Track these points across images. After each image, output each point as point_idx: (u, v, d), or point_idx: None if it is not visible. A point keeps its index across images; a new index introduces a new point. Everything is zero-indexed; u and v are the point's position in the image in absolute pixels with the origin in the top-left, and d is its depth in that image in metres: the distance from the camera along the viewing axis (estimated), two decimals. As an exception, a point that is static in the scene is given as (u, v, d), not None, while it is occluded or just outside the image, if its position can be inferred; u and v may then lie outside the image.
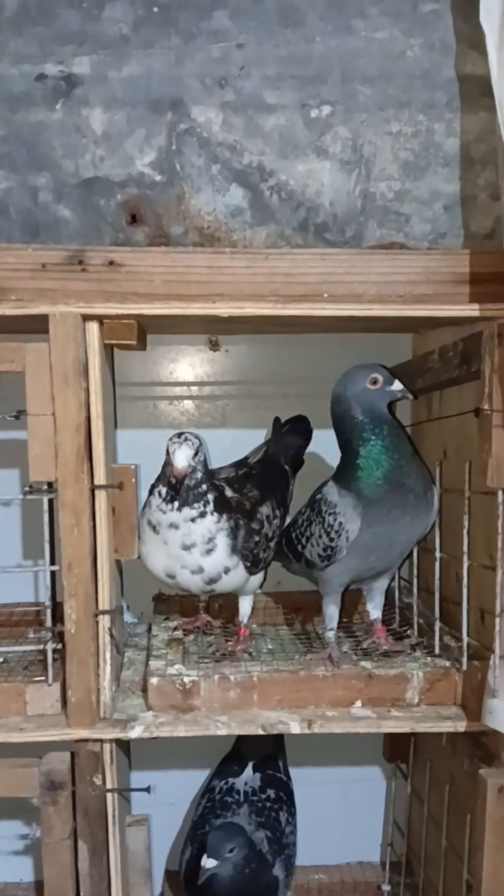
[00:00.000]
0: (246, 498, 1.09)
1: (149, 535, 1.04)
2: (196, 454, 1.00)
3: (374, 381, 1.03)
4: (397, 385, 1.04)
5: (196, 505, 1.01)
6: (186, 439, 1.00)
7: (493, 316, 0.91)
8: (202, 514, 1.01)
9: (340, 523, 1.02)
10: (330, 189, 0.97)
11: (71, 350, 0.91)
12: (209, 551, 1.02)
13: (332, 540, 1.03)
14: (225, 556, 1.03)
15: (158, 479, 1.04)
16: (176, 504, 1.01)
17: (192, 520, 1.01)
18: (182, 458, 0.98)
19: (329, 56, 0.95)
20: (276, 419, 1.33)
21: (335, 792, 1.52)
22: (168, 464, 1.00)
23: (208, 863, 1.06)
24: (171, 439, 1.01)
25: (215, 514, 1.02)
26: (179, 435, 1.01)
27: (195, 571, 1.03)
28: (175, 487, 0.99)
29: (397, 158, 0.97)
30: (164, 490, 1.01)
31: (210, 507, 1.02)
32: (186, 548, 1.02)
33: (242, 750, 1.32)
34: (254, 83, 0.95)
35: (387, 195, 0.98)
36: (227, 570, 1.04)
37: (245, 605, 1.14)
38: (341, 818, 1.52)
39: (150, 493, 1.04)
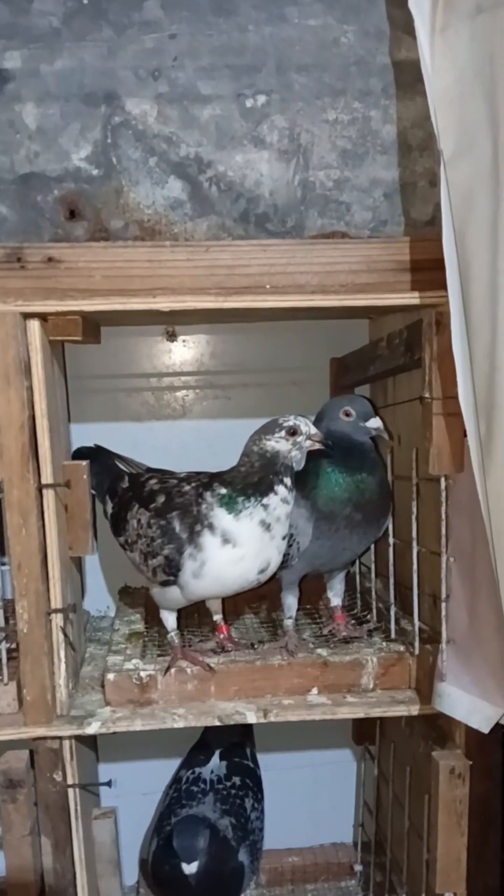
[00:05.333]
0: None
1: (253, 535, 0.97)
2: None
3: (347, 414, 1.05)
4: (374, 423, 1.05)
5: None
6: (294, 416, 0.99)
7: (433, 303, 0.91)
8: None
9: (292, 534, 1.03)
10: (269, 179, 0.97)
11: (11, 349, 0.90)
12: (286, 535, 1.01)
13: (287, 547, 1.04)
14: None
15: (270, 478, 0.97)
16: (294, 493, 0.99)
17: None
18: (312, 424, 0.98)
19: (263, 45, 0.94)
20: None
21: (306, 775, 1.54)
22: (292, 448, 0.98)
23: (190, 868, 1.08)
24: (287, 420, 0.98)
25: None
26: (286, 419, 0.99)
27: (280, 554, 1.01)
28: (327, 447, 0.98)
29: (335, 147, 0.96)
30: (289, 479, 0.98)
31: None
32: (284, 537, 1.00)
33: (210, 739, 1.33)
34: (188, 74, 0.94)
35: (326, 184, 0.97)
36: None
37: (217, 604, 1.14)
38: (313, 801, 1.54)
39: (255, 494, 0.97)
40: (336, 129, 0.95)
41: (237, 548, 0.97)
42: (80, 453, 1.23)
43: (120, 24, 0.93)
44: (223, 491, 0.98)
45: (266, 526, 0.97)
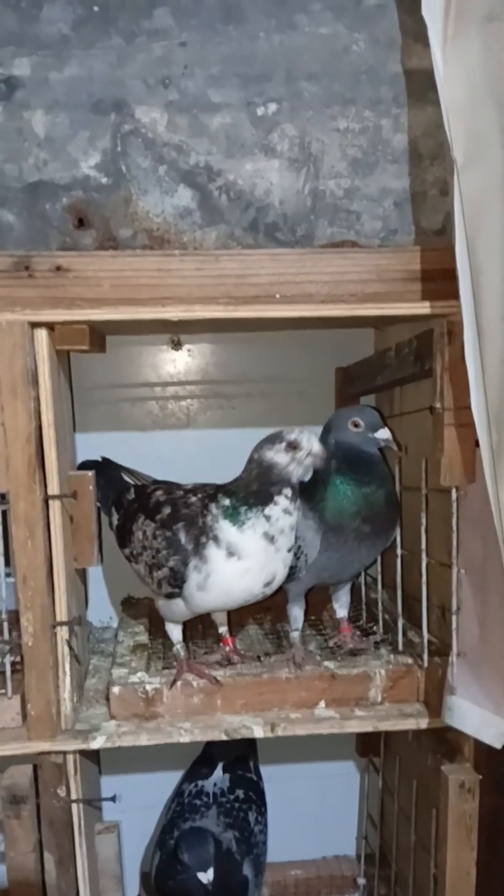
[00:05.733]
0: None
1: (258, 548, 0.95)
2: None
3: (356, 424, 1.03)
4: (383, 434, 1.03)
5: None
6: (299, 429, 0.96)
7: (444, 313, 0.91)
8: None
9: (300, 546, 1.02)
10: (279, 188, 0.96)
11: (18, 359, 0.89)
12: (292, 546, 1.00)
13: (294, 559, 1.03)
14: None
15: (268, 489, 0.96)
16: (298, 503, 0.97)
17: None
18: (317, 441, 0.96)
19: (273, 53, 0.93)
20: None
21: (310, 787, 1.53)
22: (290, 462, 0.95)
23: (206, 877, 1.07)
24: (289, 433, 0.96)
25: None
26: (289, 431, 0.96)
27: (286, 566, 0.99)
28: (324, 467, 0.96)
29: (345, 155, 0.96)
30: (289, 491, 0.96)
31: None
32: (290, 549, 0.99)
33: (213, 751, 1.32)
34: (198, 82, 0.93)
35: (336, 193, 0.97)
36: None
37: (222, 616, 1.12)
38: (317, 813, 1.52)
39: (257, 506, 0.95)
40: (346, 137, 0.95)
41: (242, 560, 0.96)
42: (85, 466, 1.22)
43: (129, 32, 0.92)
44: (227, 502, 0.97)
45: (270, 538, 0.96)
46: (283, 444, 0.96)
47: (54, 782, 0.96)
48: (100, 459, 1.26)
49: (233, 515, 0.96)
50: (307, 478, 0.98)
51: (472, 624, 0.92)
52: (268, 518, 0.95)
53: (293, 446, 0.95)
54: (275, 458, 0.96)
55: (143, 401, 1.44)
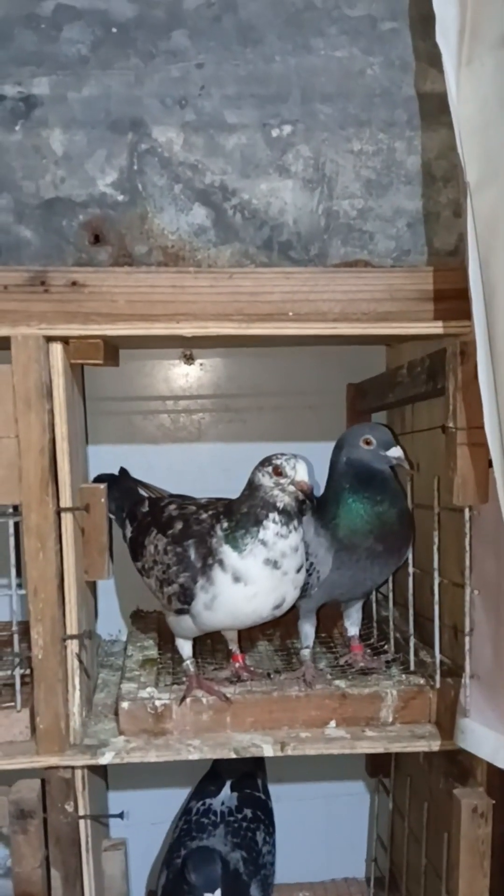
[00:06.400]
0: None
1: (263, 574, 0.95)
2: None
3: (368, 442, 1.03)
4: (395, 452, 1.03)
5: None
6: (296, 456, 0.96)
7: (457, 333, 0.91)
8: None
9: (312, 563, 1.02)
10: (293, 207, 0.97)
11: (33, 372, 0.90)
12: (301, 566, 0.99)
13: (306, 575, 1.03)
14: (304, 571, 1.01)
15: (256, 511, 0.96)
16: (295, 524, 0.96)
17: (302, 539, 0.98)
18: (306, 472, 0.94)
19: (288, 75, 0.94)
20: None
21: (319, 808, 1.52)
22: (274, 487, 0.95)
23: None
24: (279, 458, 0.95)
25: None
26: (279, 456, 0.96)
27: (296, 588, 0.99)
28: (305, 502, 0.95)
29: (359, 176, 0.96)
30: (277, 516, 0.95)
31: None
32: (300, 569, 0.98)
33: (220, 769, 1.31)
34: (214, 103, 0.94)
35: (350, 213, 0.97)
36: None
37: (232, 633, 1.12)
38: (325, 834, 1.51)
39: (250, 529, 0.95)
40: (360, 159, 0.96)
41: (249, 586, 0.95)
42: (101, 478, 1.22)
43: (147, 53, 0.94)
44: (226, 524, 0.97)
45: (273, 563, 0.95)
46: (270, 468, 0.95)
47: (62, 798, 0.96)
48: (117, 471, 1.27)
49: (233, 541, 0.96)
50: (287, 505, 0.96)
51: (486, 646, 0.92)
52: (264, 543, 0.95)
53: (277, 472, 0.95)
54: (261, 480, 0.96)
55: (155, 414, 1.45)
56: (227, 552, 0.96)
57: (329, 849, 1.50)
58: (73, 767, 0.96)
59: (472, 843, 0.92)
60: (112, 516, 1.17)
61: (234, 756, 0.96)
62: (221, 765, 1.31)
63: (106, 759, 0.94)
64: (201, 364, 1.45)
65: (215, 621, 1.00)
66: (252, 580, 0.95)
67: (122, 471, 1.27)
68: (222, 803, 1.25)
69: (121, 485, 1.22)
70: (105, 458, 1.32)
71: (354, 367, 1.40)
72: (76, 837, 0.97)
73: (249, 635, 1.26)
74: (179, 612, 1.01)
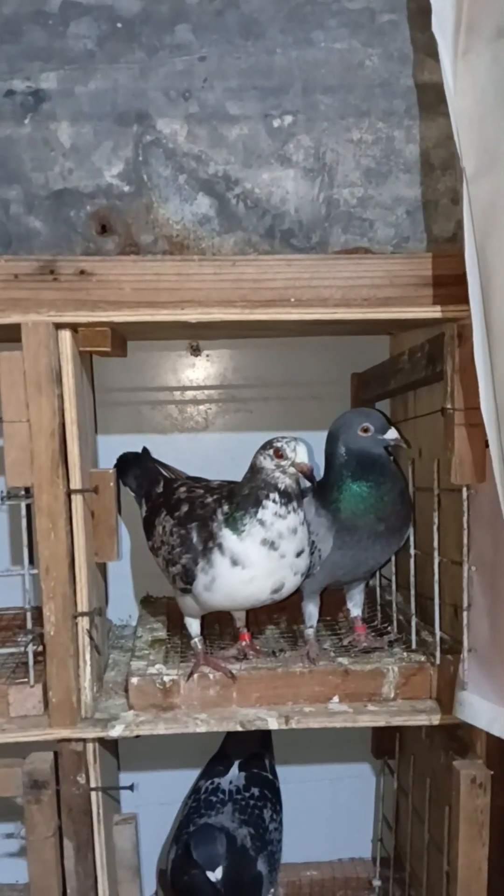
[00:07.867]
0: None
1: (260, 556, 0.97)
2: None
3: (366, 430, 1.05)
4: (391, 434, 1.05)
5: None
6: (296, 439, 0.98)
7: (455, 317, 0.93)
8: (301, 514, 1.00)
9: (313, 542, 1.05)
10: (294, 196, 1.00)
11: (43, 358, 0.93)
12: (302, 551, 1.01)
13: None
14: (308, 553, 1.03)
15: (256, 493, 0.98)
16: (294, 506, 0.98)
17: (302, 522, 1.00)
18: (306, 454, 0.97)
19: (290, 67, 0.97)
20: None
21: (325, 789, 1.54)
22: (276, 469, 0.97)
23: (216, 875, 1.09)
24: (279, 441, 0.97)
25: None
26: (279, 439, 0.98)
27: (296, 574, 1.01)
28: (310, 481, 0.97)
29: (359, 165, 0.99)
30: (277, 496, 0.97)
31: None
32: (300, 553, 1.00)
33: (229, 749, 1.34)
34: (217, 95, 0.97)
35: (350, 201, 1.00)
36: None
37: (241, 612, 1.15)
38: (332, 815, 1.54)
39: (249, 510, 0.97)
40: (360, 148, 0.98)
41: (247, 569, 0.98)
42: (125, 457, 1.27)
43: (152, 47, 0.97)
44: (227, 508, 1.00)
45: (271, 544, 0.97)
46: (272, 451, 0.98)
47: (74, 770, 0.99)
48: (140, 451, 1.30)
49: (232, 524, 0.98)
50: (287, 487, 0.98)
51: (483, 620, 0.94)
52: (262, 523, 0.97)
53: (278, 454, 0.97)
54: (263, 462, 0.99)
55: (162, 404, 1.48)
56: (226, 535, 0.98)
57: (335, 829, 1.53)
58: (84, 740, 0.99)
59: (470, 814, 0.94)
60: (133, 494, 1.22)
61: (240, 729, 0.99)
62: (230, 746, 1.34)
63: (116, 731, 0.97)
64: (208, 355, 1.48)
65: (214, 602, 1.02)
66: (250, 563, 0.97)
67: (145, 450, 1.30)
68: (230, 782, 1.28)
69: (142, 463, 1.26)
70: (114, 448, 1.35)
71: (358, 358, 1.42)
72: (88, 809, 1.01)
73: (257, 619, 1.29)
74: (183, 591, 1.04)
